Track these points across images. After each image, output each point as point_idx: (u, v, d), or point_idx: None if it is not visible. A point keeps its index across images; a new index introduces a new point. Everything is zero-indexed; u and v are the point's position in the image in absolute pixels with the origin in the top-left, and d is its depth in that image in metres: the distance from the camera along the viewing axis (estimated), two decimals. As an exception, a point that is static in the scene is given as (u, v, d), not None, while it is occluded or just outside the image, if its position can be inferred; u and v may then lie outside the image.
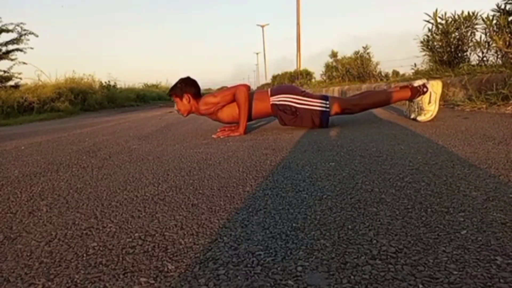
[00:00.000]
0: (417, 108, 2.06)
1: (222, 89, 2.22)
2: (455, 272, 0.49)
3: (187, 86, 2.15)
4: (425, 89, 1.98)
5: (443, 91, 2.07)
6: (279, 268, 0.54)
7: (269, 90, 2.18)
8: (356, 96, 2.17)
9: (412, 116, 2.13)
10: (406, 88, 2.06)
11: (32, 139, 2.65)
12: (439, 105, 2.03)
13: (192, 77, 2.22)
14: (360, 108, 2.13)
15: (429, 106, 1.99)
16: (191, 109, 2.18)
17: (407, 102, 2.17)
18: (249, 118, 2.16)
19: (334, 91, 7.20)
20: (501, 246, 0.55)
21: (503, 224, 0.62)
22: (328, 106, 2.06)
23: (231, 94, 2.08)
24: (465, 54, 3.81)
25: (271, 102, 2.12)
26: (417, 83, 2.04)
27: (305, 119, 2.08)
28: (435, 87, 1.97)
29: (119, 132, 2.79)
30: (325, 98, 2.08)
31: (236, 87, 2.08)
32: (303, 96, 2.08)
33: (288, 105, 2.08)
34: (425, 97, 1.98)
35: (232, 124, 2.26)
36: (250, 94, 2.14)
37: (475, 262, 0.51)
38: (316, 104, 2.06)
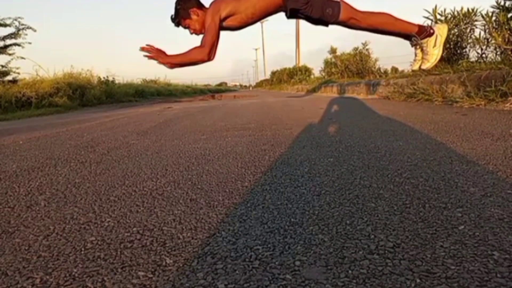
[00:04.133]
0: (422, 54, 2.04)
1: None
2: (453, 267, 0.49)
3: (187, 2, 2.01)
4: (431, 31, 1.96)
5: (447, 35, 2.07)
6: (277, 263, 0.54)
7: None
8: (367, 12, 2.04)
9: (415, 67, 2.12)
10: (414, 24, 2.00)
11: (30, 134, 2.64)
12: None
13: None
14: (366, 24, 2.01)
15: (434, 50, 1.97)
16: (205, 20, 1.99)
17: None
18: (258, 18, 2.02)
19: (333, 87, 7.20)
20: (498, 241, 0.55)
21: (500, 220, 0.63)
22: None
23: (207, 30, 1.93)
24: (464, 50, 3.81)
25: None
26: (437, 26, 2.01)
27: (315, 8, 1.97)
28: (441, 30, 1.96)
29: (118, 127, 2.79)
30: None
31: (202, 44, 1.93)
32: None
33: None
34: (431, 40, 1.96)
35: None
36: None
37: (473, 257, 0.51)
38: None
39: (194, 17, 2.02)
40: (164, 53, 1.98)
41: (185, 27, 2.07)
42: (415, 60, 2.12)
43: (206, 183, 1.00)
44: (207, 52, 1.95)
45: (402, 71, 7.97)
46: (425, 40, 1.98)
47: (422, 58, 2.04)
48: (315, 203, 0.78)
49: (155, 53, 1.92)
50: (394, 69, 8.83)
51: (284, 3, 1.99)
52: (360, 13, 1.99)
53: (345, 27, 2.05)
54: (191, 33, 2.08)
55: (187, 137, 1.95)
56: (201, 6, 2.04)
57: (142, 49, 1.89)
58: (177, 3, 2.04)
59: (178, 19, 2.04)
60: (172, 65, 1.96)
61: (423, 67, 2.02)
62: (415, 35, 2.00)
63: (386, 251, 0.55)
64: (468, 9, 3.60)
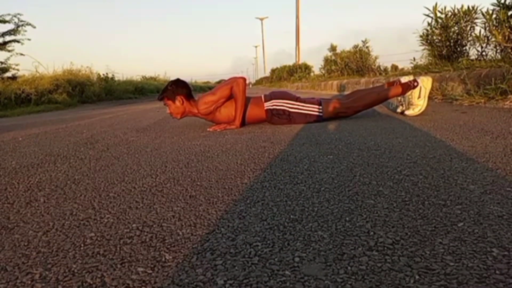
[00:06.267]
0: (406, 102, 2.08)
1: (220, 83, 2.19)
2: (452, 264, 0.49)
3: (179, 88, 2.11)
4: (415, 83, 1.99)
5: (433, 87, 2.12)
6: (276, 259, 0.54)
7: (262, 96, 2.16)
8: (349, 99, 2.16)
9: (399, 110, 2.15)
10: (397, 85, 2.06)
11: (29, 131, 2.64)
12: (428, 100, 2.06)
13: (183, 79, 2.18)
14: (354, 111, 2.14)
15: (419, 101, 2.00)
16: (185, 111, 2.13)
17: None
18: (243, 123, 2.13)
19: (333, 85, 7.19)
20: (497, 238, 0.55)
21: (499, 217, 0.63)
22: (321, 111, 2.08)
23: (229, 87, 2.04)
24: (464, 48, 3.81)
25: (265, 108, 2.11)
26: (403, 79, 2.06)
27: (298, 121, 2.10)
28: (425, 83, 1.99)
29: (117, 124, 2.78)
30: (318, 103, 2.09)
31: (233, 80, 2.04)
32: (297, 101, 2.09)
33: (282, 109, 2.08)
34: (415, 92, 2.00)
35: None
36: (247, 98, 2.12)
37: (472, 253, 0.51)
38: (309, 109, 2.08)
39: (177, 103, 2.11)
40: (227, 123, 2.12)
41: (164, 104, 2.17)
42: (397, 104, 2.21)
43: (206, 180, 1.00)
44: (238, 80, 2.05)
45: (402, 69, 7.98)
46: (409, 92, 2.04)
47: (408, 105, 2.09)
48: (314, 200, 0.78)
49: (223, 125, 2.08)
50: (394, 67, 8.83)
51: (268, 117, 2.14)
52: (344, 105, 2.12)
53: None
54: (167, 112, 2.18)
55: (186, 134, 1.95)
56: (189, 98, 2.14)
57: (214, 130, 2.05)
58: (169, 83, 2.15)
59: (163, 96, 2.13)
60: (241, 123, 2.09)
61: (407, 113, 2.07)
62: (401, 95, 2.09)
63: (385, 248, 0.55)
64: (468, 7, 3.60)
